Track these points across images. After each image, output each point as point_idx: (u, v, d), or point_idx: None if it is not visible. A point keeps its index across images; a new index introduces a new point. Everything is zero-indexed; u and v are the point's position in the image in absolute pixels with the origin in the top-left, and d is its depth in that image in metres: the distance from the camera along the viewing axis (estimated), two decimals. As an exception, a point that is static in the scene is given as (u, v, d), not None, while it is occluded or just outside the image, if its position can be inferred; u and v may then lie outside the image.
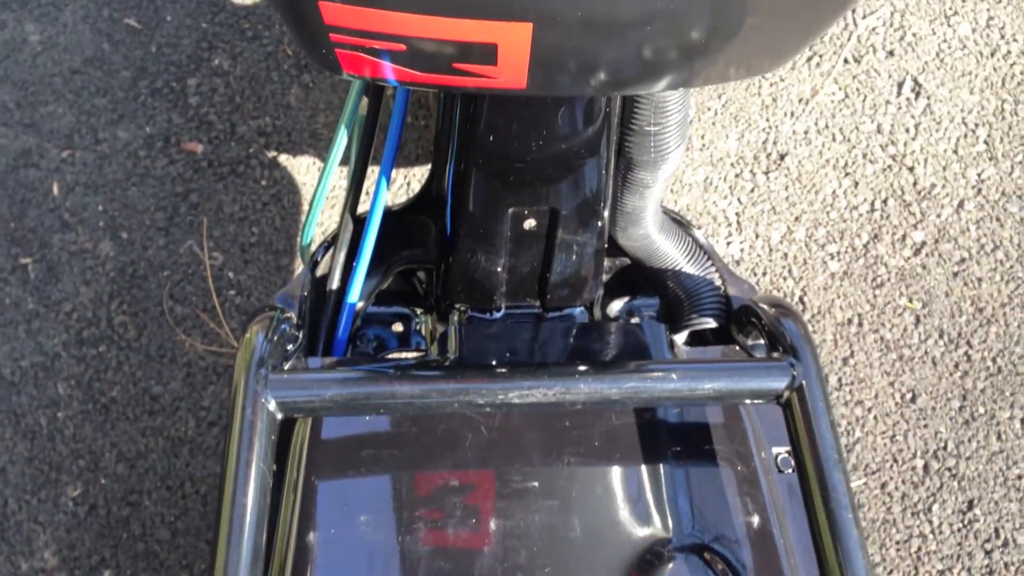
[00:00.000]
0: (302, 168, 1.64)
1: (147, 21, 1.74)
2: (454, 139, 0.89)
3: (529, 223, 0.86)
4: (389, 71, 0.65)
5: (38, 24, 1.73)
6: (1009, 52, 1.72)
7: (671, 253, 0.96)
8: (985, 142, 1.65)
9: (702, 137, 1.66)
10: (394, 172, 1.57)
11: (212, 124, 1.67)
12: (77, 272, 1.54)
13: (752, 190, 1.61)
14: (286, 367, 0.75)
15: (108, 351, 1.48)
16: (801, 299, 1.53)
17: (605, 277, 1.02)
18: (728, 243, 1.57)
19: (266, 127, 1.67)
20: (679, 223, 0.99)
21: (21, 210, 1.58)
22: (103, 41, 1.72)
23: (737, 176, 1.62)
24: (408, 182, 1.63)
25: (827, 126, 1.66)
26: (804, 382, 0.73)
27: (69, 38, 1.72)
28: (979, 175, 1.62)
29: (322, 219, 1.57)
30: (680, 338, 0.97)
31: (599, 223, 0.87)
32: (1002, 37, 1.73)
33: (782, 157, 1.64)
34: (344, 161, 1.00)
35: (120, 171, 1.61)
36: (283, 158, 1.64)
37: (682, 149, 0.87)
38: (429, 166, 1.47)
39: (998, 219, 1.58)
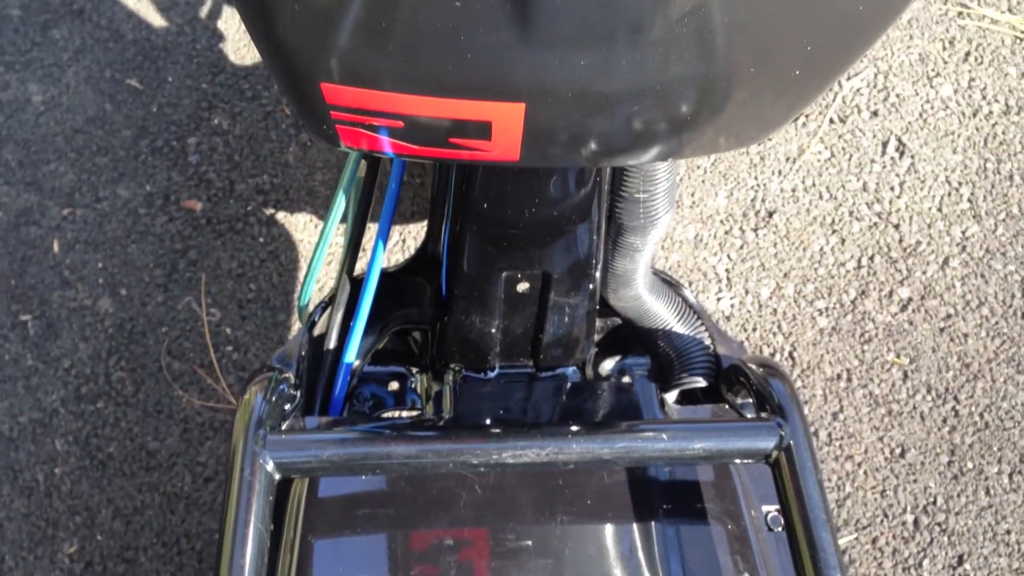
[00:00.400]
0: (299, 225, 1.67)
1: (149, 81, 1.78)
2: (449, 203, 0.91)
3: (522, 286, 0.88)
4: (387, 145, 0.68)
5: (41, 84, 1.77)
6: (991, 112, 1.76)
7: (661, 313, 0.99)
8: (969, 200, 1.68)
9: (692, 195, 1.69)
10: (390, 229, 1.60)
11: (211, 182, 1.69)
12: (76, 328, 1.56)
13: (741, 247, 1.64)
14: (284, 427, 0.77)
15: (106, 407, 1.50)
16: (791, 355, 1.55)
17: (597, 336, 1.05)
18: (719, 299, 1.60)
19: (264, 185, 1.70)
20: (669, 283, 1.01)
21: (22, 267, 1.60)
22: (105, 101, 1.75)
23: (727, 233, 1.65)
24: (403, 239, 1.66)
25: (814, 184, 1.70)
26: (792, 442, 0.75)
27: (72, 98, 1.75)
28: (963, 233, 1.65)
29: (319, 276, 1.59)
30: (671, 397, 0.99)
31: (591, 286, 0.89)
32: (983, 98, 1.77)
33: (770, 214, 1.67)
34: (342, 221, 1.03)
35: (120, 228, 1.64)
36: (281, 215, 1.67)
37: (671, 214, 0.90)
38: (425, 223, 1.50)
39: (983, 276, 1.61)
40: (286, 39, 0.57)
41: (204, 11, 1.86)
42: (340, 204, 0.98)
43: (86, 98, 1.75)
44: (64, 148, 1.71)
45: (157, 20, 1.84)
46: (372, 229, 1.10)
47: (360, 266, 0.97)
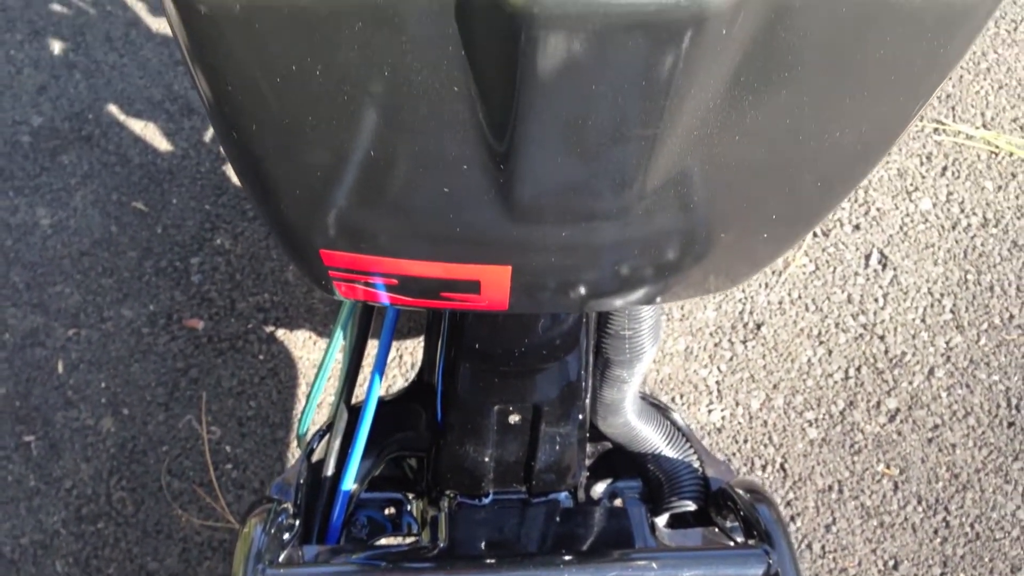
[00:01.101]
0: (299, 342, 1.70)
1: (154, 204, 1.84)
2: (443, 338, 0.95)
3: (514, 418, 0.92)
4: (382, 296, 0.72)
5: (49, 208, 1.82)
6: (969, 225, 1.82)
7: (650, 438, 1.02)
8: (951, 311, 1.73)
9: (681, 308, 1.73)
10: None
11: (213, 301, 1.74)
12: (79, 448, 1.58)
13: (731, 359, 1.68)
14: (282, 558, 0.79)
15: (106, 527, 1.51)
16: (782, 466, 1.58)
17: (588, 461, 1.08)
18: (710, 411, 1.63)
19: (264, 303, 1.74)
20: (657, 407, 1.05)
21: (27, 388, 1.63)
22: (111, 223, 1.81)
23: (716, 345, 1.69)
24: (400, 355, 1.70)
25: (800, 296, 1.74)
26: (779, 569, 0.77)
27: (79, 221, 1.81)
28: (947, 343, 1.69)
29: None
30: (662, 520, 1.02)
31: (580, 415, 0.93)
32: (961, 211, 1.83)
33: (758, 327, 1.71)
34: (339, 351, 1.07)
35: (123, 348, 1.68)
36: (280, 333, 1.71)
37: (656, 346, 0.94)
38: (421, 339, 1.54)
39: (968, 386, 1.65)
40: (287, 213, 0.62)
41: (208, 135, 1.93)
42: (338, 341, 1.02)
43: (93, 221, 1.81)
44: (70, 270, 1.76)
45: (163, 144, 1.91)
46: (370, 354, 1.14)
47: (358, 392, 1.01)
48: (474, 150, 0.55)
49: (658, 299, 0.77)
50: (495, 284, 0.69)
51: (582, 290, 0.72)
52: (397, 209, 0.61)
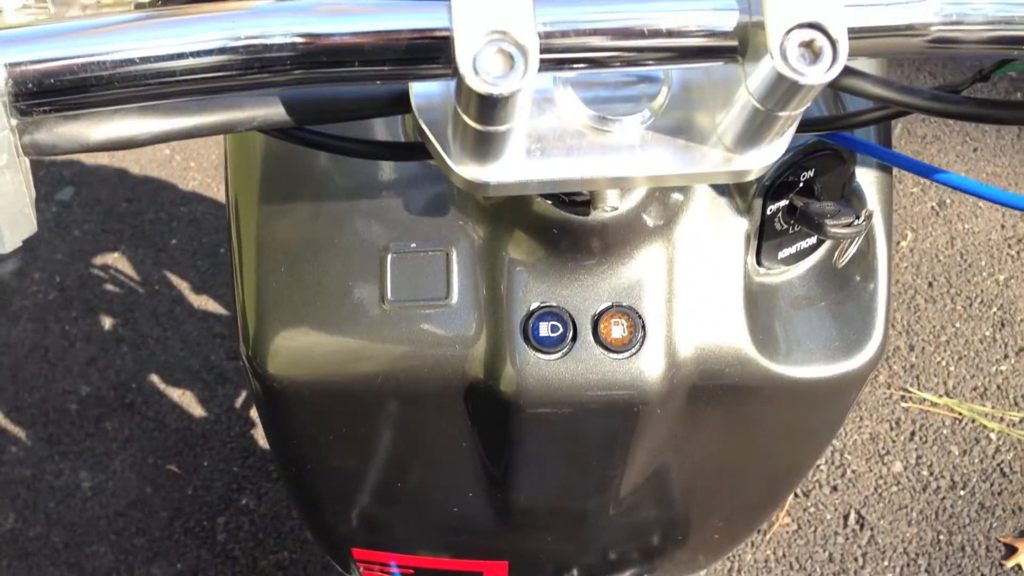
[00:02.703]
0: (315, 601, 1.82)
1: (186, 466, 2.00)
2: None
3: None
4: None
5: (91, 471, 1.99)
6: (938, 487, 1.96)
7: None
8: (927, 571, 1.84)
9: (674, 568, 1.86)
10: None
11: (236, 559, 1.87)
12: None
13: (722, 617, 1.79)
14: None
15: None
16: None
17: None
18: (702, 670, 1.72)
19: (284, 561, 1.87)
20: None
21: (59, 645, 1.74)
22: (147, 485, 1.97)
23: (707, 604, 1.80)
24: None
25: (784, 555, 1.87)
26: None
27: (117, 483, 1.97)
28: (924, 602, 1.80)
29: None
30: None
31: None
32: (931, 474, 1.98)
33: (747, 586, 1.83)
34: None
35: (151, 606, 1.80)
36: (298, 591, 1.83)
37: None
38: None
39: (946, 644, 1.74)
40: (328, 521, 0.79)
41: (239, 401, 2.12)
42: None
43: (130, 483, 1.97)
44: (106, 530, 1.90)
45: (198, 410, 2.09)
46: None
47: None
48: (478, 480, 0.72)
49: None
50: (495, 573, 0.84)
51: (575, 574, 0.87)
52: (417, 520, 0.78)
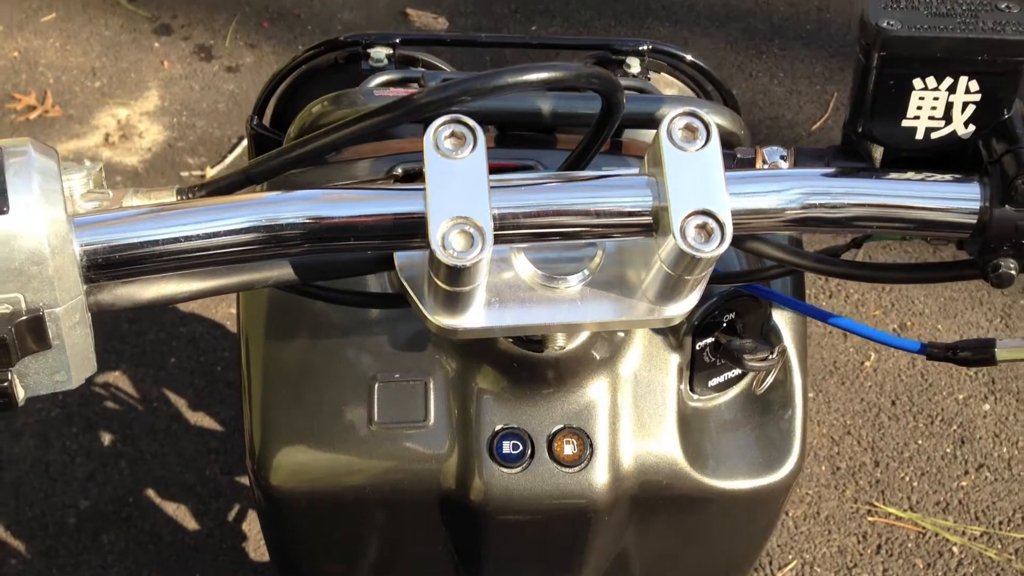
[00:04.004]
0: None
1: (179, 579, 2.07)
2: None
3: None
4: None
5: (87, 583, 2.06)
6: (904, 599, 2.04)
7: None
8: None
9: None
10: None
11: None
12: None
13: None
14: None
15: None
16: None
17: None
18: None
19: (272, 673, 1.92)
20: None
21: None
22: (140, 598, 2.03)
23: None
24: None
25: (757, 667, 1.93)
26: None
27: (112, 596, 2.03)
28: None
29: None
30: None
31: None
32: (896, 586, 2.06)
33: None
34: None
35: None
36: None
37: None
38: None
39: None
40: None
41: (232, 514, 2.20)
42: None
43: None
44: (100, 642, 1.96)
45: (191, 523, 2.17)
46: None
47: None
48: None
49: None
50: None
51: None
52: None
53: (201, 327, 2.54)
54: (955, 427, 2.33)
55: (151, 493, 2.22)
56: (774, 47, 3.15)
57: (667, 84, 1.15)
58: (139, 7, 3.21)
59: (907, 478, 2.24)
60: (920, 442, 2.30)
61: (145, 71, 3.05)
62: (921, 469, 2.25)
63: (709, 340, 0.78)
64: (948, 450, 2.29)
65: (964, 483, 2.23)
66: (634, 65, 1.10)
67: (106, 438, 2.31)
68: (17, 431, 2.33)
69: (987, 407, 2.35)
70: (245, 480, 2.23)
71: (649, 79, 1.11)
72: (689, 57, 1.14)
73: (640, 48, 1.10)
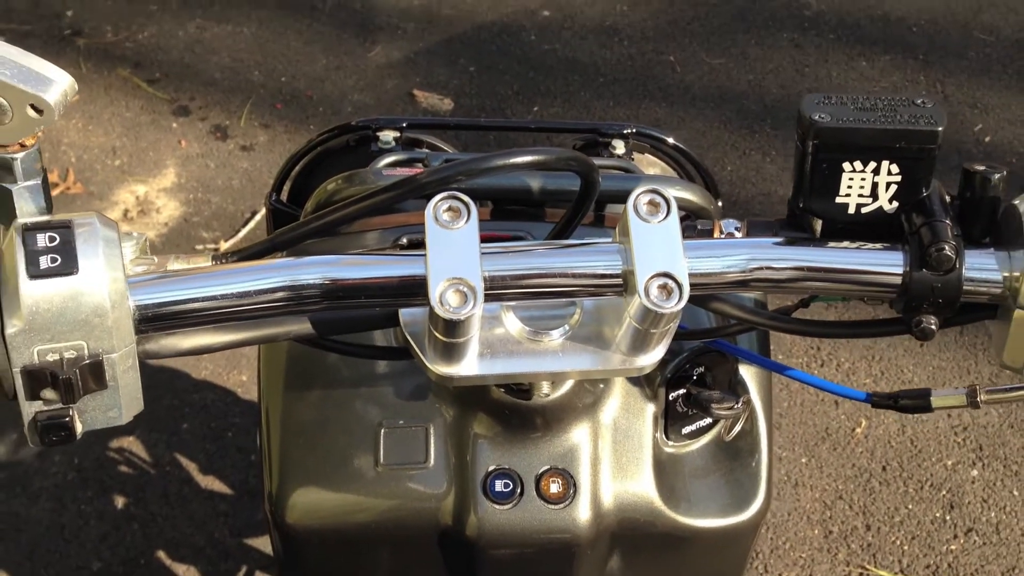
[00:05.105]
0: None
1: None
2: None
3: None
4: None
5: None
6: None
7: None
8: None
9: None
10: None
11: None
12: None
13: None
14: None
15: None
16: None
17: None
18: None
19: None
20: None
21: None
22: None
23: None
24: None
25: None
26: None
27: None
28: None
29: None
30: None
31: None
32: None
33: None
34: None
35: None
36: None
37: None
38: None
39: None
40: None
41: (239, 577, 2.26)
42: None
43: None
44: None
45: (200, 586, 2.23)
46: None
47: None
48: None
49: None
50: None
51: None
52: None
53: (213, 394, 2.63)
54: (944, 492, 2.39)
55: (162, 555, 2.28)
56: (766, 126, 3.28)
57: (650, 164, 1.26)
58: (159, 90, 3.37)
59: (898, 542, 2.29)
60: (910, 507, 2.36)
61: (163, 150, 3.19)
62: (912, 533, 2.31)
63: (681, 391, 0.87)
64: (938, 514, 2.35)
65: (953, 547, 2.29)
66: (619, 147, 1.21)
67: (119, 501, 2.38)
68: (34, 494, 2.40)
69: (975, 472, 2.42)
70: (254, 542, 2.29)
71: (633, 159, 1.21)
72: (671, 140, 1.25)
73: (625, 131, 1.21)
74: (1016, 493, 2.38)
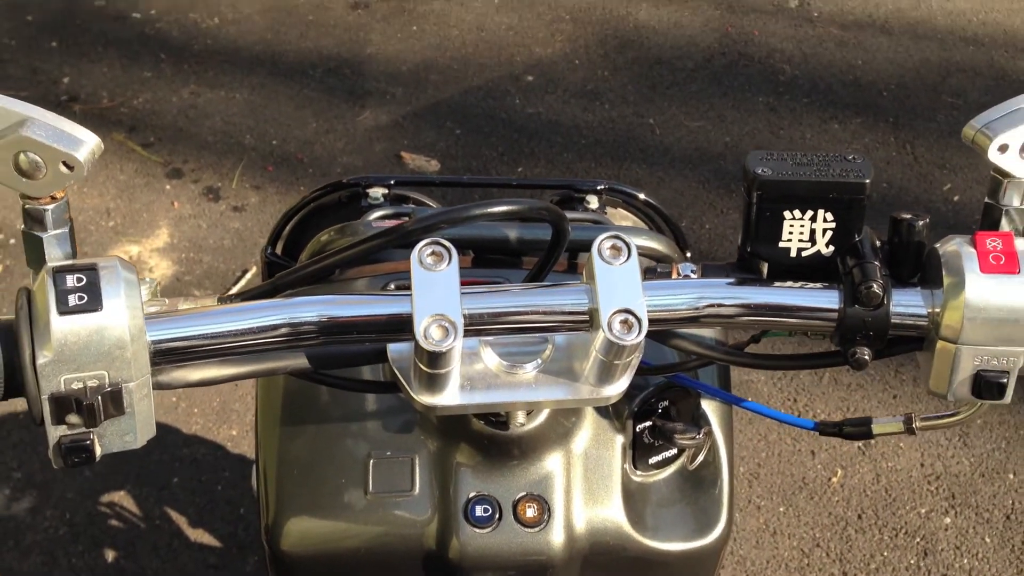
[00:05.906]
0: None
1: None
2: None
3: None
4: None
5: None
6: None
7: None
8: None
9: None
10: None
11: None
12: None
13: None
14: None
15: None
16: None
17: None
18: None
19: None
20: None
21: None
22: None
23: None
24: None
25: None
26: None
27: None
28: None
29: None
30: None
31: None
32: None
33: None
34: None
35: None
36: None
37: None
38: None
39: None
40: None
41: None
42: None
43: None
44: None
45: (190, 637, 2.26)
46: None
47: None
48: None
49: None
50: None
51: None
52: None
53: (203, 448, 2.68)
54: (918, 539, 2.45)
55: (152, 607, 2.31)
56: (743, 187, 3.39)
57: (623, 217, 1.35)
58: (153, 153, 3.46)
59: (875, 588, 2.35)
60: (886, 554, 2.42)
61: (156, 211, 3.27)
62: (888, 580, 2.37)
63: (647, 424, 0.95)
64: (912, 561, 2.40)
65: (928, 593, 2.34)
66: (593, 201, 1.30)
67: (110, 555, 2.42)
68: (25, 549, 2.43)
69: (948, 520, 2.48)
70: (242, 594, 2.33)
71: (606, 213, 1.30)
72: (641, 195, 1.34)
73: (598, 187, 1.30)
74: (988, 540, 2.44)
